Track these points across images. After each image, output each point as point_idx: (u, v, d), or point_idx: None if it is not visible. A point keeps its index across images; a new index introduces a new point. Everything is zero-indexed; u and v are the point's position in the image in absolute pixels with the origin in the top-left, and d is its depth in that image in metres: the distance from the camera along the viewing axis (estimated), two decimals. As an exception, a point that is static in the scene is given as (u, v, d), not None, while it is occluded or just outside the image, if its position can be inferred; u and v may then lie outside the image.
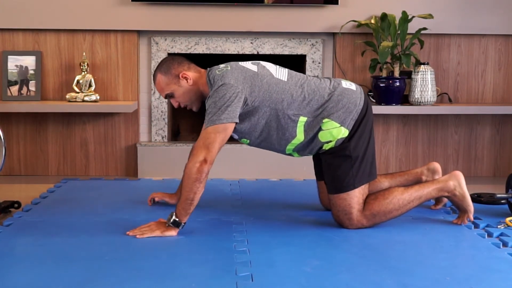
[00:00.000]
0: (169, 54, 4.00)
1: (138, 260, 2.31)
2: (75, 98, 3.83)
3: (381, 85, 3.83)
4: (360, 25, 3.87)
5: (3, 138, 2.99)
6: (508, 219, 2.84)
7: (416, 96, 3.84)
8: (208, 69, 2.78)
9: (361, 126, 2.72)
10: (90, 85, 3.88)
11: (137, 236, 2.57)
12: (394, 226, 2.79)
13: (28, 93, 3.91)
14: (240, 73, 2.66)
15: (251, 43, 3.99)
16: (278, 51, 4.00)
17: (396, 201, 2.73)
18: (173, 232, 2.58)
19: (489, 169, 4.13)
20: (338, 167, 2.71)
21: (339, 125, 2.69)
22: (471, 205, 2.79)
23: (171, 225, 2.58)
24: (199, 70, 2.82)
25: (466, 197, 2.77)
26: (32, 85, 3.91)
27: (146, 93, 4.03)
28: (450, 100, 4.02)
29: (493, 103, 4.08)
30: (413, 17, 3.79)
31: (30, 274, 2.18)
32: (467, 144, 4.11)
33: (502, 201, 3.06)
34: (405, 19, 3.77)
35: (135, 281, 2.10)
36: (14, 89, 3.90)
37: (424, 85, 3.83)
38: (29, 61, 3.92)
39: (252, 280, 2.12)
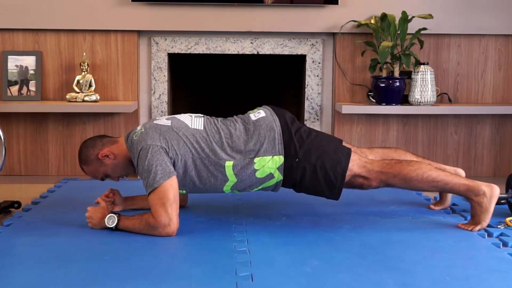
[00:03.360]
0: (169, 54, 4.00)
1: (138, 260, 2.31)
2: (75, 98, 3.83)
3: (381, 85, 3.83)
4: (360, 25, 3.87)
5: (3, 138, 2.99)
6: (508, 219, 2.84)
7: (416, 96, 3.84)
8: (126, 135, 2.78)
9: (292, 140, 2.68)
10: (90, 85, 3.88)
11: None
12: (394, 226, 2.79)
13: (28, 93, 3.91)
14: (154, 131, 2.66)
15: (251, 43, 3.99)
16: (278, 51, 4.00)
17: (421, 173, 2.69)
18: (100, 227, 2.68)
19: (489, 169, 4.13)
20: (315, 185, 2.71)
21: (271, 156, 2.67)
22: (487, 222, 2.71)
23: (109, 225, 2.62)
24: (115, 140, 2.81)
25: (489, 212, 2.69)
26: (32, 85, 3.91)
27: (146, 93, 4.03)
28: (450, 100, 4.02)
29: (493, 103, 4.08)
30: (413, 17, 3.79)
31: (30, 274, 2.18)
32: (467, 144, 4.11)
33: (502, 201, 3.05)
34: (405, 19, 3.77)
35: (135, 281, 2.10)
36: (14, 89, 3.91)
37: (424, 85, 3.83)
38: (29, 61, 3.92)
39: (252, 280, 2.12)
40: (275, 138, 2.68)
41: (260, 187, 2.75)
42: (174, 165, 2.64)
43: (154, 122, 2.74)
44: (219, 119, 2.81)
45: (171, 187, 2.57)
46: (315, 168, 2.67)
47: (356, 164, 2.72)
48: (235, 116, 2.84)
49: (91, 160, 2.78)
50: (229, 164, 2.66)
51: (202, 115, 2.83)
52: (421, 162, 2.80)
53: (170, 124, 2.71)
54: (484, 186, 2.71)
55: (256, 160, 2.66)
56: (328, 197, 2.78)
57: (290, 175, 2.69)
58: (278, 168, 2.68)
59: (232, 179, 2.69)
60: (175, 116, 2.80)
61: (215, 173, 2.68)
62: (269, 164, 2.67)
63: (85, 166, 2.81)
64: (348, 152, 2.73)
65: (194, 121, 2.76)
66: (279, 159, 2.67)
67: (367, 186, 2.75)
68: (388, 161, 2.77)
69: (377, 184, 2.74)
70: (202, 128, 2.72)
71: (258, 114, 2.78)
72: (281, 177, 2.70)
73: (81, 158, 2.81)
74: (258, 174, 2.68)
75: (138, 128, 2.74)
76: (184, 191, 2.77)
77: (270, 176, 2.69)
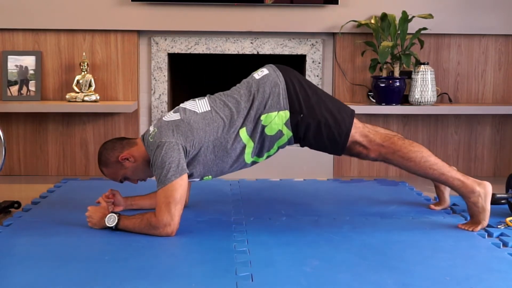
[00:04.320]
0: (169, 54, 4.00)
1: (138, 260, 2.31)
2: (75, 98, 3.83)
3: (381, 85, 3.83)
4: (360, 25, 3.87)
5: (3, 138, 2.99)
6: (508, 219, 2.84)
7: (416, 96, 3.84)
8: (142, 135, 2.79)
9: (298, 95, 2.70)
10: (90, 85, 3.88)
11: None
12: (394, 226, 2.79)
13: (28, 93, 3.91)
14: (166, 128, 2.67)
15: (251, 43, 3.99)
16: (278, 51, 4.00)
17: (420, 155, 2.71)
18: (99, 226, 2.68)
19: (489, 169, 4.13)
20: (319, 141, 2.72)
21: (276, 112, 2.68)
22: (486, 221, 2.72)
23: (109, 225, 2.62)
24: (134, 142, 2.81)
25: (486, 211, 2.70)
26: (32, 85, 3.91)
27: (146, 93, 4.03)
28: (450, 100, 4.02)
29: (493, 103, 4.08)
30: (413, 17, 3.79)
31: (30, 274, 2.18)
32: (467, 144, 4.11)
33: (502, 201, 3.06)
34: (405, 19, 3.77)
35: (135, 281, 2.10)
36: (14, 89, 3.91)
37: (424, 85, 3.83)
38: (29, 61, 3.92)
39: (252, 280, 2.12)
40: (280, 94, 2.69)
41: (275, 147, 2.76)
42: (196, 155, 2.66)
43: (164, 119, 2.74)
44: (222, 93, 2.81)
45: (180, 187, 2.57)
46: (319, 124, 2.68)
47: (358, 132, 2.72)
48: (238, 84, 2.83)
49: (111, 162, 2.78)
50: (242, 131, 2.68)
51: (203, 96, 2.83)
52: (422, 146, 2.81)
53: (179, 117, 2.71)
54: (477, 187, 2.71)
55: (262, 117, 2.67)
56: (330, 153, 2.82)
57: (296, 131, 2.71)
58: (285, 124, 2.69)
59: (249, 144, 2.69)
60: (180, 106, 2.79)
61: (234, 147, 2.68)
62: (276, 120, 2.68)
63: (104, 168, 2.82)
64: (352, 113, 2.75)
65: (199, 104, 2.76)
66: (285, 114, 2.68)
67: (365, 155, 2.75)
68: (392, 135, 2.79)
69: (375, 156, 2.74)
70: (209, 109, 2.72)
71: (262, 72, 2.78)
72: (290, 133, 2.71)
73: (101, 160, 2.81)
74: (267, 131, 2.68)
75: (151, 129, 2.74)
76: (211, 176, 2.77)
77: (280, 133, 2.70)
